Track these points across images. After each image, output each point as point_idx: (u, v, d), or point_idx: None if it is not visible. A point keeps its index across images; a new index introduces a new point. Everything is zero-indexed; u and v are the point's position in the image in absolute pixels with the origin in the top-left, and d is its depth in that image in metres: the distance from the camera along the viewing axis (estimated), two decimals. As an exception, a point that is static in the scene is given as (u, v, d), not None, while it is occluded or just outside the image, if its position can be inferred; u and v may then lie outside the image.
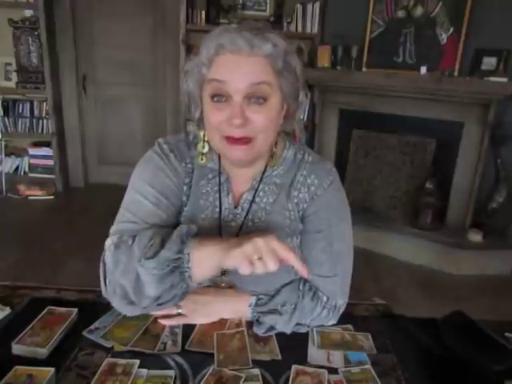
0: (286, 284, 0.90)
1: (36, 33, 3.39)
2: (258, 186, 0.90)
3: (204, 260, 0.74)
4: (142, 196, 0.84)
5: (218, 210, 0.90)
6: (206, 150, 0.87)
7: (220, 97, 0.77)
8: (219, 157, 0.90)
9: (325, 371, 0.77)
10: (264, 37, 0.76)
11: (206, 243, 0.75)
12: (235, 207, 0.91)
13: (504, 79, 2.54)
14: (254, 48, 0.75)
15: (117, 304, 0.80)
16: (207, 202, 0.90)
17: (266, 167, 0.91)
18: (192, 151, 0.91)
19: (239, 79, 0.75)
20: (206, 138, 0.86)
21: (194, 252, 0.74)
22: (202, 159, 0.88)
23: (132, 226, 0.82)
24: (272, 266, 0.69)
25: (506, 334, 0.89)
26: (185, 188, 0.89)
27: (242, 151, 0.79)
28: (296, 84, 0.83)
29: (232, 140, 0.78)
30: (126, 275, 0.76)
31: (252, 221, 0.90)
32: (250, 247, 0.69)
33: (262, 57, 0.76)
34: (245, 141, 0.78)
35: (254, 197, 0.90)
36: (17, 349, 0.76)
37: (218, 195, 0.90)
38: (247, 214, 0.90)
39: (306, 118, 3.36)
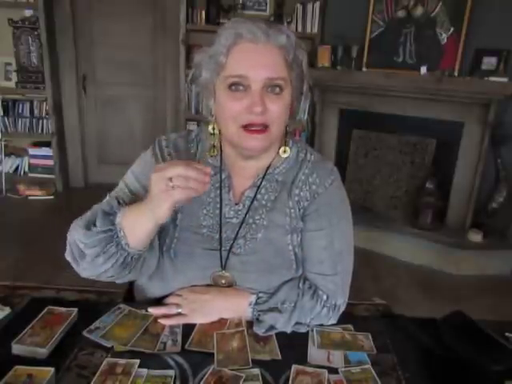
0: (286, 282, 0.90)
1: (36, 33, 3.39)
2: (261, 183, 0.90)
3: (135, 225, 0.78)
4: (125, 184, 0.91)
5: (218, 206, 0.90)
6: (216, 142, 0.90)
7: (238, 86, 0.79)
8: (221, 154, 0.91)
9: (325, 371, 0.76)
10: (278, 28, 0.80)
11: (131, 209, 0.79)
12: (236, 204, 0.91)
13: (504, 79, 2.54)
14: (269, 38, 0.79)
15: (69, 260, 0.84)
16: (209, 197, 0.91)
17: (269, 164, 0.91)
18: (191, 148, 0.92)
19: (258, 72, 0.78)
20: (215, 131, 0.88)
21: (122, 222, 0.78)
22: (213, 151, 0.90)
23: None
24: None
25: (506, 334, 0.89)
26: None
27: (259, 140, 0.82)
28: (301, 77, 0.86)
29: (250, 129, 0.80)
30: (71, 235, 0.82)
31: (253, 217, 0.90)
32: (158, 184, 0.70)
33: (277, 48, 0.80)
34: (262, 129, 0.80)
35: (255, 194, 0.90)
36: (17, 349, 0.76)
37: (219, 192, 0.90)
38: (248, 211, 0.90)
39: (306, 118, 3.36)
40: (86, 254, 0.81)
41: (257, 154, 0.88)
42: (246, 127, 0.80)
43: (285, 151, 0.91)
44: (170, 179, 0.69)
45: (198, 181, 0.69)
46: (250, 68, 0.78)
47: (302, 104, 0.90)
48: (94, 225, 0.80)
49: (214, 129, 0.89)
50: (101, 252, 0.79)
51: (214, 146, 0.90)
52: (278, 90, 0.80)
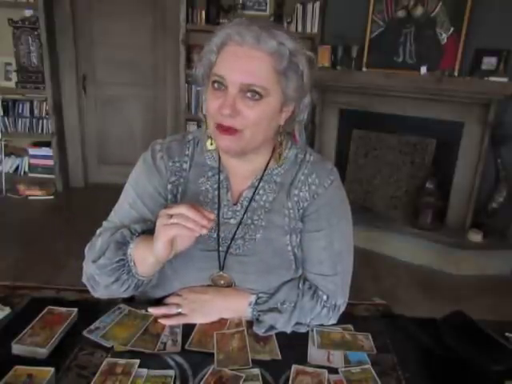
0: (286, 282, 0.90)
1: (36, 33, 3.38)
2: (258, 184, 0.90)
3: (143, 257, 0.82)
4: (124, 196, 0.92)
5: (216, 206, 0.90)
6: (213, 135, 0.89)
7: (220, 84, 0.79)
8: (219, 154, 0.91)
9: (325, 371, 0.76)
10: (271, 33, 0.78)
11: (142, 241, 0.82)
12: (234, 204, 0.91)
13: (504, 79, 2.54)
14: (259, 42, 0.77)
15: (86, 283, 0.89)
16: (206, 198, 0.91)
17: (267, 165, 0.91)
18: (186, 150, 0.92)
19: (236, 74, 0.77)
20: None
21: (133, 252, 0.83)
22: (211, 144, 0.90)
23: (108, 225, 0.91)
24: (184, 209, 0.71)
25: (506, 333, 0.89)
26: (169, 186, 0.90)
27: (229, 141, 0.81)
28: (302, 87, 0.84)
29: (221, 129, 0.80)
30: (86, 266, 0.88)
31: (251, 218, 0.90)
32: (160, 219, 0.74)
33: (266, 54, 0.77)
34: (232, 131, 0.80)
35: (253, 194, 0.90)
36: (17, 349, 0.76)
37: (217, 192, 0.90)
38: (246, 212, 0.90)
39: (305, 118, 3.36)
40: (100, 283, 0.86)
41: (235, 155, 0.87)
42: (218, 126, 0.81)
43: (280, 158, 0.91)
44: (172, 216, 0.72)
45: (195, 222, 0.71)
46: (229, 70, 0.78)
47: (300, 115, 0.89)
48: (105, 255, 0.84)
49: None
50: (114, 281, 0.84)
51: (211, 138, 0.89)
52: (257, 96, 0.78)
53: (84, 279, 0.89)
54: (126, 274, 0.84)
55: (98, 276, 0.85)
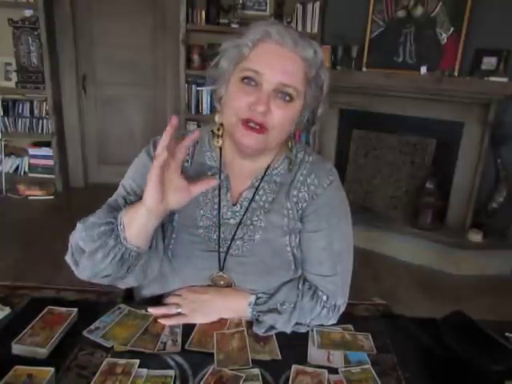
0: (285, 283, 0.90)
1: (36, 33, 3.38)
2: (259, 184, 0.90)
3: (133, 218, 0.77)
4: (123, 187, 0.91)
5: (216, 207, 0.90)
6: (220, 132, 0.90)
7: (250, 80, 0.80)
8: (220, 154, 0.91)
9: (325, 371, 0.76)
10: (308, 41, 0.82)
11: (132, 204, 0.81)
12: (234, 205, 0.91)
13: (504, 79, 2.54)
14: (297, 46, 0.79)
15: (69, 262, 0.85)
16: (206, 198, 0.91)
17: (268, 166, 0.91)
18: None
19: (274, 74, 0.78)
20: (221, 121, 0.88)
21: (123, 214, 0.79)
22: (217, 142, 0.91)
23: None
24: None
25: (506, 334, 0.89)
26: None
27: (254, 139, 0.81)
28: (319, 98, 0.86)
29: (249, 126, 0.80)
30: (72, 235, 0.84)
31: (250, 219, 0.90)
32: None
33: (301, 59, 0.80)
34: (260, 129, 0.80)
35: (253, 195, 0.90)
36: (17, 349, 0.76)
37: (217, 192, 0.90)
38: (246, 212, 0.90)
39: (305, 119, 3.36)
40: (85, 251, 0.80)
41: (252, 154, 0.87)
42: (246, 122, 0.80)
43: (291, 167, 0.91)
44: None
45: (164, 145, 0.73)
46: (268, 67, 0.78)
47: (313, 127, 0.90)
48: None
49: (219, 118, 0.89)
50: (99, 247, 0.78)
51: (218, 136, 0.90)
52: (287, 98, 0.80)
53: (68, 256, 0.84)
54: (113, 240, 0.78)
55: (82, 242, 0.80)
